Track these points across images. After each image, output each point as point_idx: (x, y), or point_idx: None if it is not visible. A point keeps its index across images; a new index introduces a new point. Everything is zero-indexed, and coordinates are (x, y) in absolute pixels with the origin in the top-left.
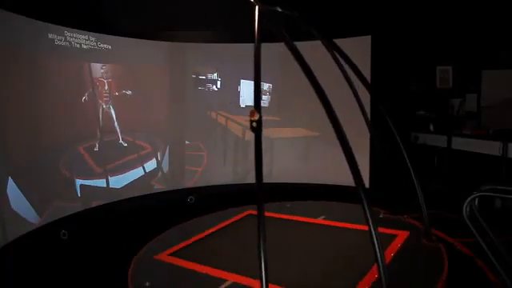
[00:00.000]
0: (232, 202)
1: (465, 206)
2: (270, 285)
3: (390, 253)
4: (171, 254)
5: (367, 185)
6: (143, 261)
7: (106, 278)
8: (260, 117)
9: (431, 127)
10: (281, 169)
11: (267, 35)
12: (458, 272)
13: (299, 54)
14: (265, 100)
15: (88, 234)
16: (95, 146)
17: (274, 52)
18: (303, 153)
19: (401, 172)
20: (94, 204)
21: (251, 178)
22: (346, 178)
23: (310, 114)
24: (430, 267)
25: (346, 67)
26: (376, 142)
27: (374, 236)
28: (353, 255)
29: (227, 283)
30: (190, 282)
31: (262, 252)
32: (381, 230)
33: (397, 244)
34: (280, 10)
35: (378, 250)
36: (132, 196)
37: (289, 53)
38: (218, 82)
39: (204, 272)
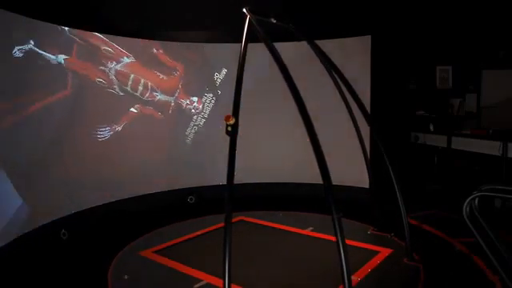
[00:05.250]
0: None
1: (465, 205)
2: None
3: (368, 268)
4: (156, 252)
5: (367, 185)
6: (128, 256)
7: (105, 278)
8: (236, 121)
9: (431, 127)
10: (281, 168)
11: (269, 32)
12: (458, 271)
13: (282, 62)
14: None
15: (88, 234)
16: (96, 146)
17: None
18: (303, 153)
19: (401, 172)
20: (94, 204)
21: (250, 178)
22: (346, 179)
23: (311, 113)
24: (403, 286)
25: (346, 67)
26: (378, 141)
27: (339, 239)
28: (330, 268)
29: (201, 283)
30: (166, 279)
31: (227, 251)
32: (365, 245)
33: (376, 260)
34: (274, 21)
35: (342, 250)
36: (132, 196)
37: (289, 53)
38: (218, 82)
39: (183, 271)
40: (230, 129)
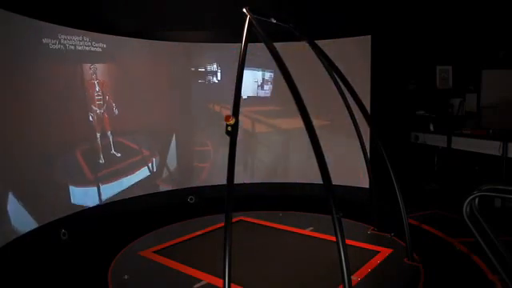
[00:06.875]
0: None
1: (465, 205)
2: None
3: (368, 268)
4: (156, 252)
5: (367, 185)
6: (128, 256)
7: (105, 278)
8: (236, 121)
9: (431, 127)
10: (281, 168)
11: (269, 32)
12: (458, 271)
13: (282, 62)
14: (267, 90)
15: (88, 233)
16: (97, 148)
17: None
18: (303, 153)
19: (401, 172)
20: (94, 204)
21: (250, 178)
22: (346, 179)
23: (311, 113)
24: (403, 286)
25: (346, 67)
26: (378, 141)
27: (339, 239)
28: (330, 268)
29: (202, 283)
30: (166, 278)
31: (227, 251)
32: (365, 245)
33: (377, 260)
34: (274, 21)
35: (342, 250)
36: (132, 196)
37: (288, 53)
38: (218, 82)
39: (183, 271)
40: (229, 129)
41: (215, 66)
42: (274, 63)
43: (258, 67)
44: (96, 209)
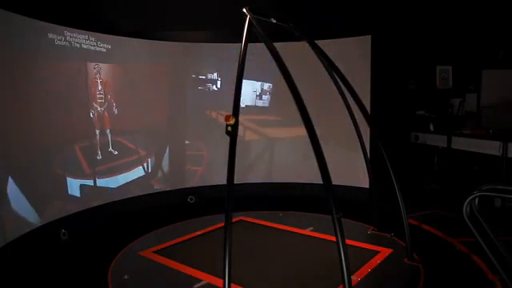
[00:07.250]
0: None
1: (465, 205)
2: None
3: (368, 268)
4: (156, 252)
5: (367, 185)
6: (128, 256)
7: (105, 278)
8: (236, 121)
9: (431, 127)
10: (281, 168)
11: (269, 32)
12: (458, 271)
13: (282, 62)
14: (265, 100)
15: (88, 233)
16: (96, 146)
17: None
18: (303, 152)
19: (401, 172)
20: (94, 204)
21: (251, 178)
22: (346, 179)
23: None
24: (403, 286)
25: (346, 67)
26: (378, 141)
27: (339, 239)
28: (330, 268)
29: (202, 283)
30: (166, 278)
31: (227, 251)
32: (365, 245)
33: (377, 260)
34: (274, 21)
35: (342, 250)
36: (132, 196)
37: (288, 53)
38: (218, 82)
39: (183, 271)
40: (229, 129)
41: (215, 67)
42: (271, 75)
43: (257, 80)
44: (96, 209)
